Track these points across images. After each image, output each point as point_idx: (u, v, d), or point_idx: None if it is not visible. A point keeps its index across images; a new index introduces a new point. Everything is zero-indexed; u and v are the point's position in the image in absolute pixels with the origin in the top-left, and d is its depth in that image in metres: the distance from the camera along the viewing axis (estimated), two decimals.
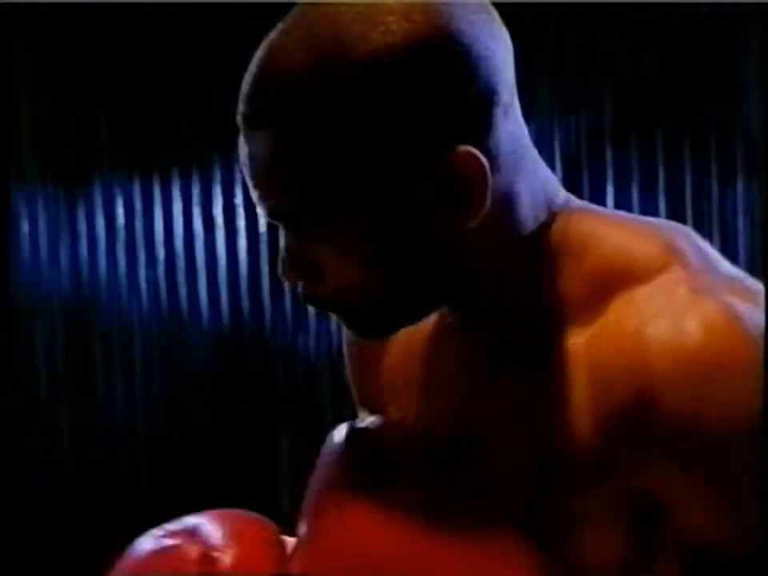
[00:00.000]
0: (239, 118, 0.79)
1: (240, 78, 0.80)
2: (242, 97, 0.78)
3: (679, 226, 0.84)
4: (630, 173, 2.81)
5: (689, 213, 2.82)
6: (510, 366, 0.83)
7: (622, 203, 2.78)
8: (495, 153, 0.77)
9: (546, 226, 0.81)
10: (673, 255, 0.78)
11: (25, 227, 3.04)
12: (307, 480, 0.91)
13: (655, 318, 0.74)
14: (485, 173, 0.76)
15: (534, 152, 0.83)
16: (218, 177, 2.88)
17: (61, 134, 2.98)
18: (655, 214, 2.69)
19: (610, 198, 2.82)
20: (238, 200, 2.87)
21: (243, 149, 0.79)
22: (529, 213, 0.81)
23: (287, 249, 0.82)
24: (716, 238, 2.79)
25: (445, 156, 0.75)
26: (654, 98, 2.78)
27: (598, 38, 2.78)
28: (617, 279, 0.78)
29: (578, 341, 0.78)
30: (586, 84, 2.80)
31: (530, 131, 0.84)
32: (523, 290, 0.82)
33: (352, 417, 0.97)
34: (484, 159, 0.76)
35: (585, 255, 0.80)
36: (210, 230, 2.90)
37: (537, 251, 0.81)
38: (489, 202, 0.77)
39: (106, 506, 2.98)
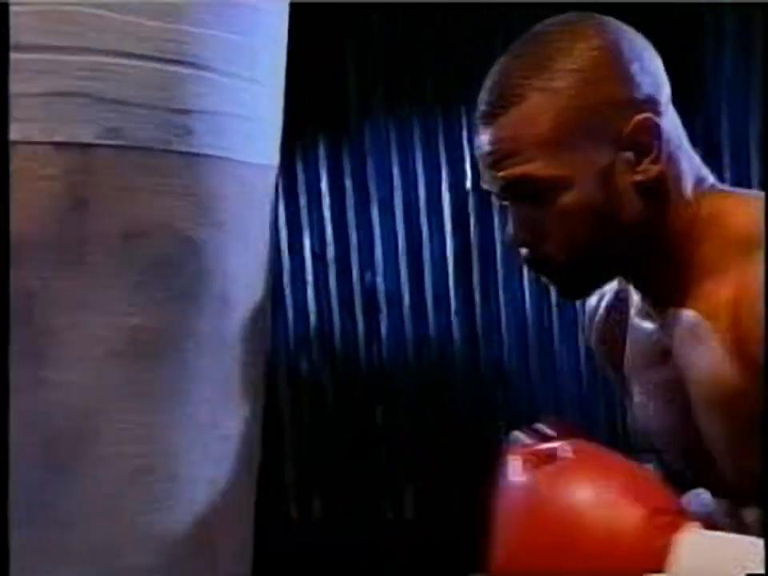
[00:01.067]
0: (482, 114, 1.09)
1: None
2: (482, 99, 1.09)
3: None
4: None
5: None
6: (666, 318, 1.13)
7: None
8: (664, 129, 1.09)
9: (701, 202, 1.12)
10: None
11: None
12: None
13: None
14: (659, 132, 1.08)
15: (688, 144, 1.14)
16: None
17: None
18: None
19: None
20: None
21: (485, 138, 1.09)
22: (689, 187, 1.11)
23: (518, 218, 1.11)
24: None
25: (631, 122, 1.07)
26: None
27: None
28: (750, 243, 1.06)
29: (727, 292, 1.06)
30: None
31: None
32: (685, 245, 1.11)
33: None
34: (660, 122, 1.08)
35: (728, 226, 1.10)
36: None
37: (695, 221, 1.11)
38: (663, 160, 1.08)
39: None
